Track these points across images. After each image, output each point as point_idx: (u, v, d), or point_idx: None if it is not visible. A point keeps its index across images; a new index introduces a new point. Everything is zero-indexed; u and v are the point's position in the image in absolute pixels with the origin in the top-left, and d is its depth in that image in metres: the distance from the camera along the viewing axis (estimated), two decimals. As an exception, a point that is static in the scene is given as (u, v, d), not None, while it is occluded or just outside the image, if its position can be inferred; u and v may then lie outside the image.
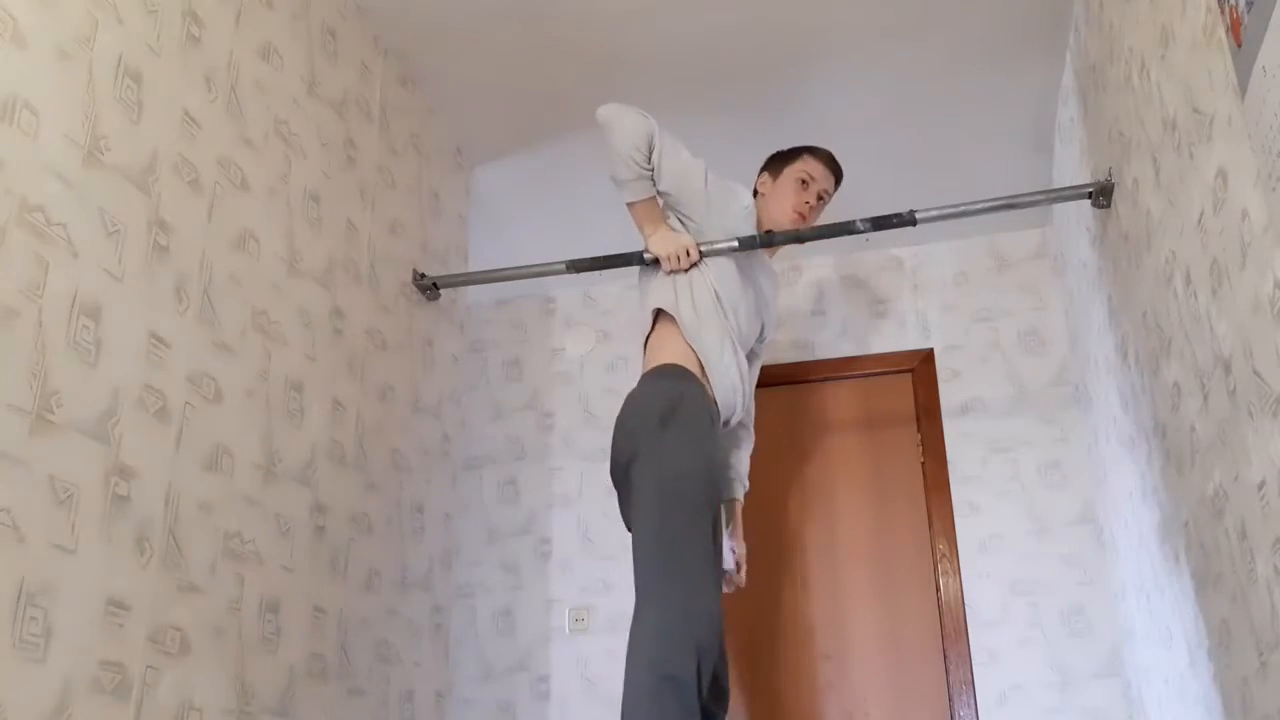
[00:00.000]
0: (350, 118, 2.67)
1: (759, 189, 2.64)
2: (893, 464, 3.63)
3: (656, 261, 2.46)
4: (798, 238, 2.60)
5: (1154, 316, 2.19)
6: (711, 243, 2.47)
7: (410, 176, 2.99)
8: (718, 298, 2.41)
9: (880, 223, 2.60)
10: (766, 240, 2.54)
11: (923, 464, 3.59)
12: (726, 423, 2.41)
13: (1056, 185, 3.31)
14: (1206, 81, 1.66)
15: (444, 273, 3.09)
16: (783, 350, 3.83)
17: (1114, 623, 3.23)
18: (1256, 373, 1.56)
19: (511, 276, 3.07)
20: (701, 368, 2.34)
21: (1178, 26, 1.80)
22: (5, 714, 1.44)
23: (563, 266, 2.81)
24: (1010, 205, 2.70)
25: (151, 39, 1.93)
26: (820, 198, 2.60)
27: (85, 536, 1.64)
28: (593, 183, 3.34)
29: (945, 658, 3.36)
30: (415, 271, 2.95)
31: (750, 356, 2.56)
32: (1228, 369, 1.70)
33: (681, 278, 2.43)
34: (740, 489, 2.62)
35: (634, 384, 2.37)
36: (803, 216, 2.57)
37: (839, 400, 3.77)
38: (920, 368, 3.71)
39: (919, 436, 3.63)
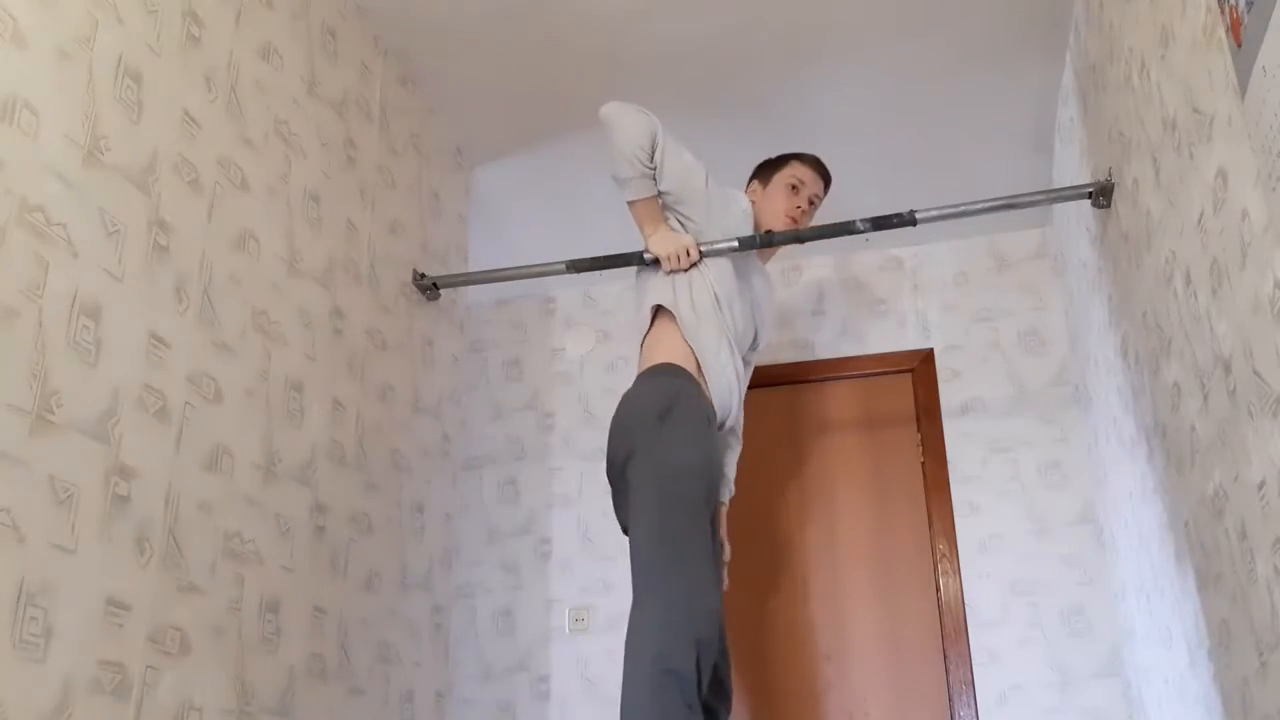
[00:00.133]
0: (350, 118, 2.67)
1: (750, 196, 2.65)
2: (893, 464, 3.63)
3: (656, 261, 2.46)
4: (798, 238, 2.61)
5: (1154, 316, 2.19)
6: (712, 243, 2.47)
7: (410, 176, 2.99)
8: (716, 298, 2.41)
9: (880, 223, 2.60)
10: (767, 240, 2.55)
11: (923, 464, 3.59)
12: (721, 425, 2.41)
13: (1056, 185, 3.30)
14: (1206, 81, 1.66)
15: (444, 273, 3.09)
16: (783, 350, 3.83)
17: (1114, 623, 3.23)
18: (1256, 373, 1.56)
19: (511, 276, 3.07)
20: (699, 366, 2.34)
21: (1178, 26, 1.80)
22: (5, 714, 1.44)
23: (563, 266, 2.81)
24: (1010, 205, 2.70)
25: (151, 39, 1.93)
26: (811, 202, 2.64)
27: (85, 536, 1.64)
28: (593, 183, 3.34)
29: (945, 658, 3.36)
30: (415, 271, 2.95)
31: (743, 363, 2.56)
32: (1228, 369, 1.70)
33: (681, 277, 2.44)
34: (727, 493, 2.63)
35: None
36: (795, 221, 2.60)
37: (839, 400, 3.77)
38: (920, 368, 3.71)
39: (919, 436, 3.63)
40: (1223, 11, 1.54)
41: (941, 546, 3.47)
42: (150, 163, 1.90)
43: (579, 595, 3.70)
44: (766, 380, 3.77)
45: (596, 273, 2.84)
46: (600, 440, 2.50)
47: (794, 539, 3.61)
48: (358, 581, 2.48)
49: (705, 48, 2.91)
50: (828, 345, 3.83)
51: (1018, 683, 3.28)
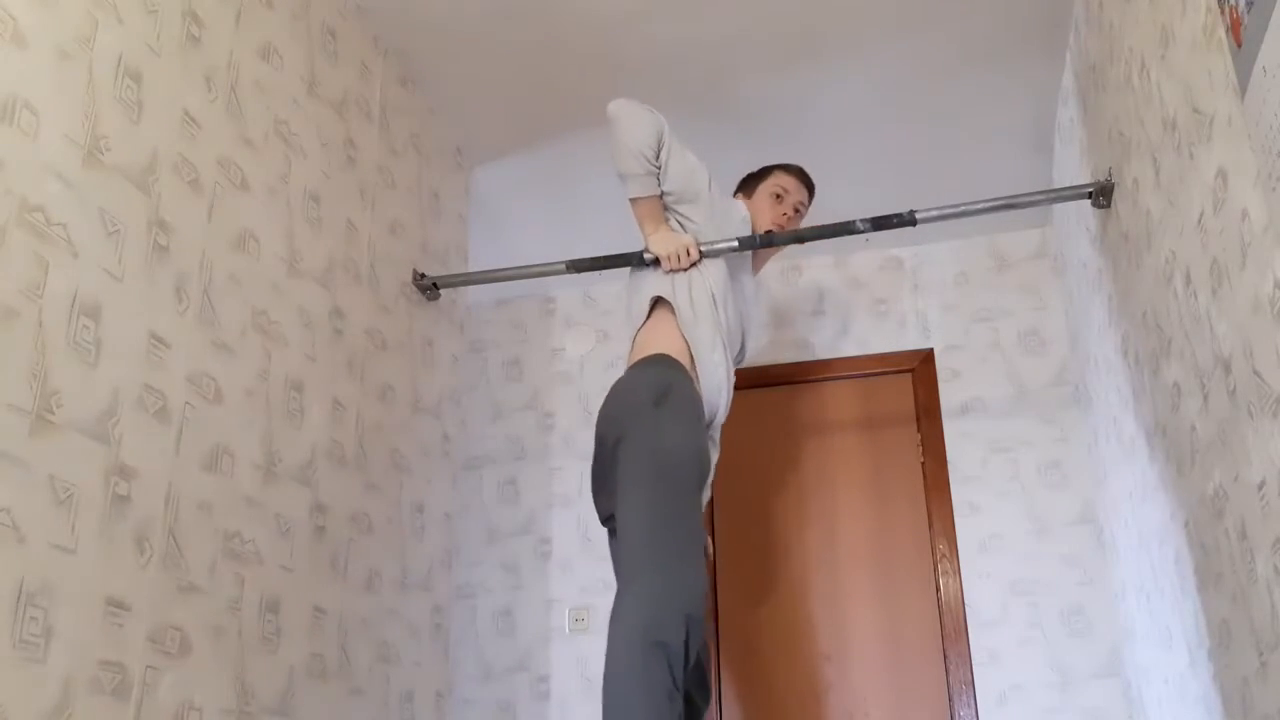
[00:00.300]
0: (350, 118, 2.67)
1: None
2: (892, 464, 3.63)
3: (656, 262, 2.47)
4: (798, 238, 2.62)
5: (1154, 316, 2.19)
6: (712, 243, 2.47)
7: (410, 176, 2.99)
8: (714, 298, 2.42)
9: (880, 223, 2.60)
10: (767, 240, 2.56)
11: (923, 464, 3.59)
12: (709, 424, 2.41)
13: (1056, 185, 3.31)
14: (1206, 81, 1.66)
15: (444, 273, 3.09)
16: (783, 350, 3.83)
17: (1114, 623, 3.23)
18: (1256, 373, 1.56)
19: (511, 276, 3.07)
20: (692, 361, 2.35)
21: (1178, 26, 1.80)
22: (5, 714, 1.44)
23: (563, 266, 2.81)
24: (1010, 205, 2.70)
25: (151, 39, 1.93)
26: (796, 210, 2.68)
27: (85, 536, 1.64)
28: (593, 183, 3.34)
29: (945, 658, 3.36)
30: (415, 271, 2.95)
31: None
32: (1228, 369, 1.70)
33: (680, 276, 2.44)
34: (706, 494, 2.62)
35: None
36: (781, 229, 2.63)
37: (839, 400, 3.77)
38: (920, 368, 3.71)
39: (919, 436, 3.63)
40: (1223, 11, 1.54)
41: (941, 546, 3.47)
42: (150, 163, 1.90)
43: (579, 595, 3.70)
44: (766, 380, 3.79)
45: (596, 273, 2.84)
46: (600, 440, 2.49)
47: (794, 539, 3.60)
48: (358, 581, 2.48)
49: (705, 48, 2.91)
50: (828, 345, 3.83)
51: (1018, 683, 3.28)
